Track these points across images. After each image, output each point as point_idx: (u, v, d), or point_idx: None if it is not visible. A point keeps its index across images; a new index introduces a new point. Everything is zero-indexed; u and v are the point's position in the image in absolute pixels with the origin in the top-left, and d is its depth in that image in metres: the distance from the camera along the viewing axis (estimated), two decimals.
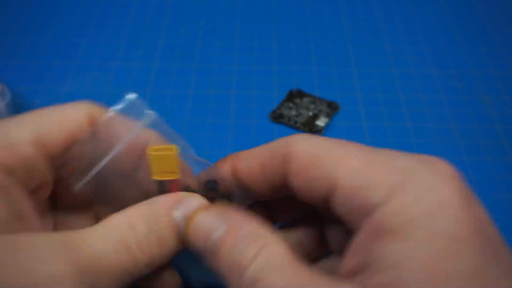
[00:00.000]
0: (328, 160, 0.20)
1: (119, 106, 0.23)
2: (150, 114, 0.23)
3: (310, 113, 0.43)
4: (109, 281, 0.20)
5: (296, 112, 0.43)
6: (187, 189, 0.23)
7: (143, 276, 0.21)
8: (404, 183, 0.18)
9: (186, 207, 0.22)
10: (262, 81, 0.46)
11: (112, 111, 0.23)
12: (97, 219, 0.26)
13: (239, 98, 0.45)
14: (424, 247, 0.17)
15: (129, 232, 0.21)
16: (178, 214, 0.22)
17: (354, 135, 0.41)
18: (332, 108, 0.43)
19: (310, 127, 0.42)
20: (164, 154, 0.22)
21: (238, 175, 0.24)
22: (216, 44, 0.51)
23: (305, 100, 0.44)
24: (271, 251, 0.19)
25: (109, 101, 0.25)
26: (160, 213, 0.22)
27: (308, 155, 0.21)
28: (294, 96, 0.44)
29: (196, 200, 0.22)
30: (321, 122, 0.42)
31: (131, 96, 0.23)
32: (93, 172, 0.22)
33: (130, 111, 0.23)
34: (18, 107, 0.43)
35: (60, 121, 0.22)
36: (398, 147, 0.40)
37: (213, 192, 0.24)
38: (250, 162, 0.23)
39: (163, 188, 0.23)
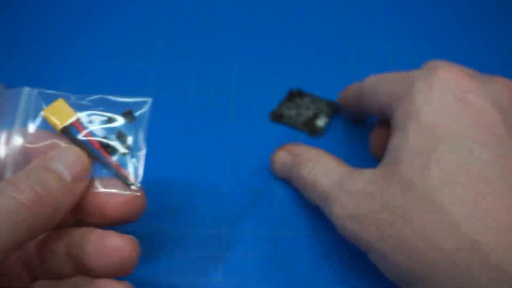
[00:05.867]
0: (386, 84, 0.31)
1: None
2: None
3: (310, 113, 0.43)
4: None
5: (296, 112, 0.43)
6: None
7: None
8: (408, 91, 0.27)
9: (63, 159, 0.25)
10: (262, 81, 0.46)
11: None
12: None
13: (238, 98, 0.44)
14: (412, 136, 0.25)
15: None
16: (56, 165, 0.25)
17: (355, 135, 0.41)
18: (332, 108, 0.43)
19: (310, 127, 0.41)
20: (53, 104, 0.28)
21: (347, 97, 0.39)
22: (216, 44, 0.50)
23: (305, 100, 0.44)
24: (322, 163, 0.30)
25: None
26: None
27: (372, 84, 0.32)
28: (294, 96, 0.44)
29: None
30: (321, 122, 0.42)
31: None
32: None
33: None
34: None
35: None
36: None
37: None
38: (352, 91, 0.38)
39: (78, 141, 0.27)
